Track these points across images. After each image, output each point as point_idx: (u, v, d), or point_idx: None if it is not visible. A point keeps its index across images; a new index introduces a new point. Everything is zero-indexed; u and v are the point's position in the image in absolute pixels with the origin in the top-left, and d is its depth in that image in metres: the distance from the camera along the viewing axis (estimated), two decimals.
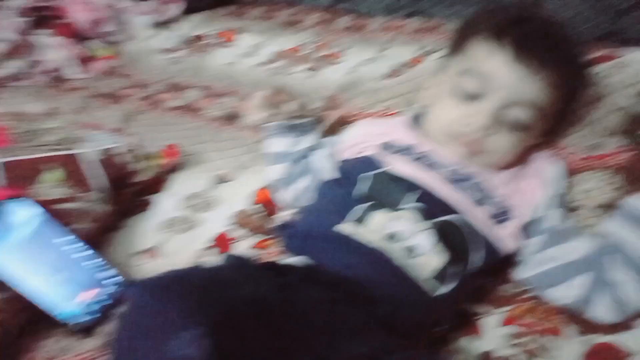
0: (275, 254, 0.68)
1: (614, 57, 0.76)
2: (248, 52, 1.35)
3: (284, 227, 0.64)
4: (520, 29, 0.56)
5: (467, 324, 0.58)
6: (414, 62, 1.07)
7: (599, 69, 0.75)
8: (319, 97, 1.06)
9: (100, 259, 0.63)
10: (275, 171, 0.74)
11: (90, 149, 0.77)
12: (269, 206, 0.77)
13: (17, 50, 1.21)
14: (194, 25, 1.51)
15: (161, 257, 0.71)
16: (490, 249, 0.58)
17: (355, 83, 1.10)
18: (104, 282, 0.62)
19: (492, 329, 0.57)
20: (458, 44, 0.62)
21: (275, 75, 1.21)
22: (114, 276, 0.63)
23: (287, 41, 1.38)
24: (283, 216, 0.75)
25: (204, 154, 0.93)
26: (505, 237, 0.58)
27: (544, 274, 0.56)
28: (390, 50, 1.23)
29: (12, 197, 0.62)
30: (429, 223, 0.55)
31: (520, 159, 0.62)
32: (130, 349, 0.36)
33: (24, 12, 1.32)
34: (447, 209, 0.57)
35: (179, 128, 1.02)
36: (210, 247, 0.69)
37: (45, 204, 0.65)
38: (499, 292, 0.61)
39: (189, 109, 1.08)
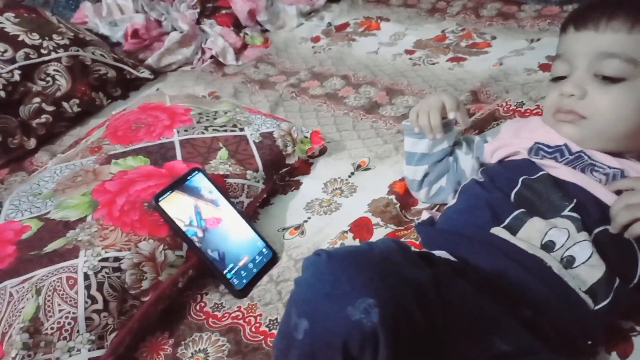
0: (410, 245, 0.70)
1: None
2: (389, 41, 1.36)
3: (424, 223, 0.66)
4: (579, 8, 0.63)
5: (620, 339, 0.55)
6: None
7: None
8: (463, 90, 1.04)
9: (254, 231, 0.72)
10: (414, 172, 0.75)
11: (253, 131, 0.87)
12: (404, 198, 0.79)
13: (188, 39, 1.39)
14: (337, 14, 1.57)
15: (304, 235, 0.77)
16: None
17: (504, 76, 1.06)
18: (257, 251, 0.71)
19: None
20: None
21: (417, 66, 1.22)
22: (265, 247, 0.72)
23: (430, 30, 1.37)
24: (419, 211, 0.77)
25: (345, 142, 0.98)
26: None
27: None
28: (541, 42, 1.16)
29: (193, 170, 0.73)
30: (586, 234, 0.52)
31: None
32: (313, 307, 0.40)
33: (195, 4, 1.49)
34: (605, 217, 0.54)
35: (321, 115, 1.09)
36: (347, 232, 0.74)
37: (217, 178, 0.75)
38: None
39: (331, 97, 1.14)
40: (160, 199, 0.67)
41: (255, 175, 0.80)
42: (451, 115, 0.67)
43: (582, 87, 0.58)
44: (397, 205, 0.78)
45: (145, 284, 0.62)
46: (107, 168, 0.77)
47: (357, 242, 0.73)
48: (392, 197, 0.79)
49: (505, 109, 0.84)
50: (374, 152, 0.93)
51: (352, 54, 1.35)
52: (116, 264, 0.61)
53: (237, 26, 1.51)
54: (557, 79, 0.63)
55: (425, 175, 0.75)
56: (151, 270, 0.63)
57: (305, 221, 0.80)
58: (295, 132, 0.90)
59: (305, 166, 0.92)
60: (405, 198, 0.80)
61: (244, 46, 1.45)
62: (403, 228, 0.75)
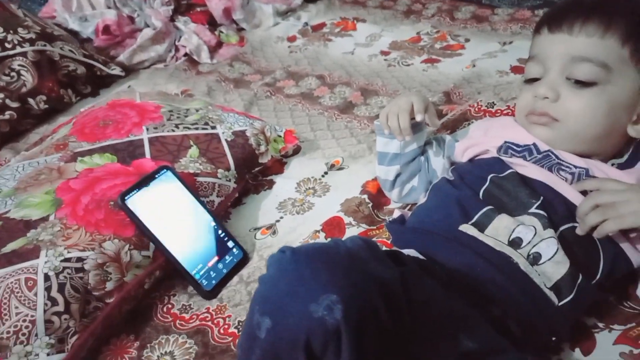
0: (382, 244, 0.70)
1: None
2: (365, 42, 1.37)
3: (395, 222, 0.66)
4: (552, 9, 0.64)
5: (583, 336, 0.55)
6: None
7: None
8: (437, 91, 1.05)
9: (225, 231, 0.71)
10: (386, 172, 0.75)
11: (226, 130, 0.85)
12: (376, 197, 0.79)
13: (161, 36, 1.36)
14: (314, 14, 1.57)
15: (276, 235, 0.76)
16: (616, 259, 0.54)
17: (476, 78, 1.07)
18: (227, 251, 0.69)
19: (607, 345, 0.54)
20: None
21: (392, 67, 1.22)
22: (234, 247, 0.70)
23: (405, 31, 1.38)
24: (391, 210, 0.77)
25: (319, 141, 0.98)
26: (634, 247, 0.55)
27: None
28: (513, 45, 1.18)
29: (162, 168, 0.71)
30: (552, 231, 0.53)
31: (619, 132, 0.59)
32: (276, 305, 0.40)
33: (169, 1, 1.47)
34: (570, 214, 0.55)
35: (296, 115, 1.08)
36: (319, 231, 0.74)
37: (187, 177, 0.74)
38: (620, 308, 0.57)
39: (306, 96, 1.14)
40: (126, 198, 0.65)
41: (227, 174, 0.79)
42: (419, 118, 0.67)
43: (556, 89, 0.59)
44: (370, 205, 0.78)
45: (109, 285, 0.60)
46: (72, 166, 0.75)
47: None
48: (365, 196, 0.79)
49: (476, 109, 0.84)
50: (347, 152, 0.92)
51: (328, 54, 1.35)
52: (79, 265, 0.59)
53: (212, 24, 1.49)
54: (531, 80, 0.63)
55: (398, 175, 0.75)
56: (116, 271, 0.61)
57: (278, 221, 0.79)
58: (269, 131, 0.89)
59: (278, 165, 0.91)
60: (377, 197, 0.80)
61: (219, 44, 1.44)
62: (375, 227, 0.75)
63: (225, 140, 0.83)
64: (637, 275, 0.57)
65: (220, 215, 0.77)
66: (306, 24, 1.52)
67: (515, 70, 1.06)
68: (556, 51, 0.59)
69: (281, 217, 0.80)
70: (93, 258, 0.60)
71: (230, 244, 0.70)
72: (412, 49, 1.28)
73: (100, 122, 0.85)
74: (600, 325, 0.56)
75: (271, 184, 0.87)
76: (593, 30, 0.57)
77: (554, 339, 0.52)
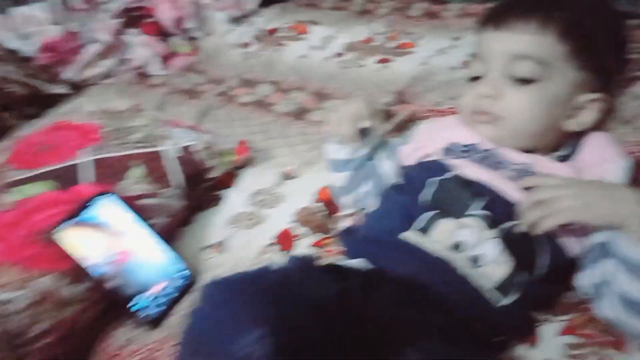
0: (335, 252, 0.68)
1: None
2: (319, 44, 1.35)
3: (346, 231, 0.65)
4: (496, 6, 0.65)
5: (528, 328, 0.55)
6: None
7: None
8: (390, 91, 1.04)
9: (172, 253, 0.68)
10: (337, 179, 0.73)
11: (170, 146, 0.82)
12: (330, 205, 0.77)
13: (110, 50, 1.32)
14: (268, 18, 1.54)
15: (227, 252, 0.74)
16: (557, 253, 0.54)
17: (427, 76, 1.07)
18: (173, 275, 0.67)
19: (551, 337, 0.53)
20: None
21: (346, 69, 1.21)
22: (182, 270, 0.68)
23: (359, 32, 1.36)
24: (344, 219, 0.75)
25: (273, 150, 0.95)
26: (571, 239, 0.55)
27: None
28: (464, 40, 1.17)
29: (100, 194, 0.68)
30: (494, 231, 0.53)
31: (558, 126, 0.60)
32: (201, 343, 0.38)
33: (118, 14, 1.42)
34: (512, 213, 0.55)
35: (250, 124, 1.06)
36: (273, 244, 0.72)
37: (129, 200, 0.71)
38: (561, 299, 0.57)
39: (260, 104, 1.11)
40: (57, 232, 0.62)
41: (173, 193, 0.76)
42: (365, 124, 0.66)
43: (498, 87, 0.60)
44: (324, 213, 0.76)
45: (44, 324, 0.57)
46: (6, 197, 0.71)
47: (283, 255, 0.71)
48: (319, 204, 0.77)
49: (426, 109, 0.84)
50: (301, 159, 0.90)
51: (283, 58, 1.32)
52: (7, 307, 0.55)
53: (163, 34, 1.45)
54: (475, 78, 0.63)
55: (349, 181, 0.74)
56: (52, 308, 0.58)
57: (228, 237, 0.77)
58: (219, 144, 0.86)
59: (230, 179, 0.88)
60: (332, 205, 0.78)
61: (171, 55, 1.40)
62: (330, 236, 0.73)
63: (172, 157, 0.80)
64: (579, 265, 0.56)
65: (168, 236, 0.74)
66: (261, 29, 1.50)
67: (467, 65, 1.06)
68: (498, 49, 0.60)
69: (232, 234, 0.77)
70: (25, 297, 0.57)
71: (177, 267, 0.68)
72: (366, 50, 1.26)
73: (38, 148, 0.81)
74: (546, 317, 0.56)
75: (222, 198, 0.84)
76: (533, 28, 0.58)
77: (499, 339, 0.52)
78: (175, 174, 0.78)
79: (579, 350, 0.51)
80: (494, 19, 0.61)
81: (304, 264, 0.45)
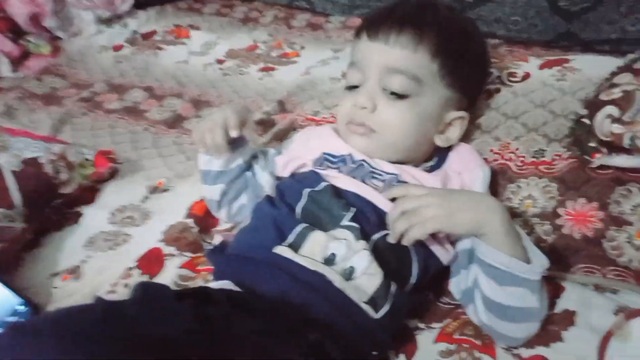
0: (207, 272, 0.63)
1: (564, 62, 0.74)
2: (200, 50, 1.28)
3: (215, 250, 0.60)
4: (372, 15, 0.64)
5: (407, 340, 0.54)
6: None
7: (549, 72, 0.73)
8: (272, 100, 1.01)
9: (6, 286, 0.57)
10: (211, 191, 0.68)
11: (11, 158, 0.70)
12: (204, 221, 0.71)
13: None
14: (144, 21, 1.43)
15: (83, 278, 0.64)
16: (427, 262, 0.55)
17: (309, 85, 1.06)
18: (8, 312, 0.56)
19: (428, 345, 0.53)
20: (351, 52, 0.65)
21: (227, 76, 1.16)
22: (20, 304, 0.57)
23: (242, 39, 1.32)
24: (216, 235, 0.69)
25: (142, 161, 0.87)
26: (442, 246, 0.56)
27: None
28: (345, 52, 1.19)
29: None
30: (364, 243, 0.51)
31: (428, 142, 0.62)
32: None
33: None
34: (382, 223, 0.54)
35: (117, 132, 0.96)
36: (134, 268, 0.64)
37: None
38: (438, 305, 0.58)
39: (130, 111, 1.02)
40: None
41: (11, 214, 0.65)
42: (233, 134, 0.61)
43: (373, 100, 0.59)
44: (196, 230, 0.70)
45: None
46: None
47: (146, 279, 0.63)
48: (190, 220, 0.71)
49: (303, 118, 0.82)
50: (174, 171, 0.83)
51: (159, 63, 1.24)
52: None
53: (17, 32, 1.27)
54: (352, 87, 0.62)
55: (224, 194, 0.68)
56: None
57: (84, 261, 0.67)
58: (73, 155, 0.76)
59: (89, 194, 0.78)
60: (205, 220, 0.72)
61: (26, 55, 1.23)
62: (202, 255, 0.67)
63: (11, 171, 0.69)
64: (449, 271, 0.57)
65: (7, 264, 0.63)
66: (135, 32, 1.39)
67: (345, 76, 1.07)
68: (374, 60, 0.59)
69: (89, 256, 0.68)
70: None
71: (12, 301, 0.57)
72: (249, 57, 1.23)
73: None
74: (421, 325, 0.56)
75: (79, 217, 0.74)
76: (406, 42, 0.58)
77: (375, 353, 0.50)
78: (15, 191, 0.67)
79: (452, 357, 0.51)
80: (369, 28, 0.61)
81: (152, 294, 0.39)
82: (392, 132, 0.59)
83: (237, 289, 0.50)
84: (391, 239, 0.51)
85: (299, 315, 0.47)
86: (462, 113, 0.63)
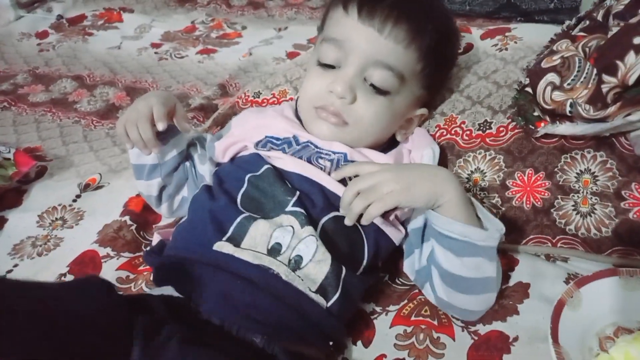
0: (149, 272, 0.58)
1: (505, 30, 0.73)
2: (134, 34, 1.20)
3: (151, 251, 0.55)
4: None
5: (362, 325, 0.52)
6: (313, 42, 0.99)
7: (491, 42, 0.72)
8: (213, 84, 0.96)
9: None
10: (147, 187, 0.62)
11: None
12: (141, 217, 0.66)
13: None
14: (70, 5, 1.33)
15: None
16: (380, 241, 0.53)
17: (251, 67, 1.01)
18: None
19: (384, 329, 0.51)
20: (323, 16, 0.60)
21: (164, 60, 1.09)
22: None
23: (179, 21, 1.25)
24: (155, 234, 0.64)
25: (72, 157, 0.80)
26: (393, 227, 0.54)
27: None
28: (288, 30, 1.15)
29: None
30: (310, 228, 0.48)
31: (390, 135, 0.59)
32: None
33: None
34: (330, 205, 0.51)
35: (44, 127, 0.88)
36: (66, 274, 0.58)
37: None
38: (393, 286, 0.56)
39: (58, 103, 0.94)
40: None
41: None
42: (160, 127, 0.55)
43: (353, 90, 0.54)
44: (133, 227, 0.65)
45: None
46: None
47: None
48: (126, 218, 0.66)
49: (244, 100, 0.77)
50: (108, 166, 0.77)
51: (90, 50, 1.15)
52: None
53: None
54: (326, 65, 0.56)
55: (162, 188, 0.63)
56: None
57: (10, 270, 0.61)
58: None
59: (12, 196, 0.71)
60: (143, 216, 0.67)
61: None
62: (141, 254, 0.62)
63: None
64: (403, 251, 0.56)
65: None
66: (60, 16, 1.29)
67: (291, 55, 1.03)
68: (362, 47, 0.54)
69: (16, 265, 0.62)
70: None
71: None
72: (187, 40, 1.16)
73: None
74: (378, 309, 0.54)
75: (3, 222, 0.67)
76: (401, 37, 0.53)
77: (331, 343, 0.48)
78: None
79: (410, 340, 0.49)
80: (361, 5, 0.54)
81: (79, 305, 0.35)
82: (365, 128, 0.56)
83: (177, 294, 0.46)
84: (348, 222, 0.48)
85: (242, 318, 0.44)
86: (424, 110, 0.61)
